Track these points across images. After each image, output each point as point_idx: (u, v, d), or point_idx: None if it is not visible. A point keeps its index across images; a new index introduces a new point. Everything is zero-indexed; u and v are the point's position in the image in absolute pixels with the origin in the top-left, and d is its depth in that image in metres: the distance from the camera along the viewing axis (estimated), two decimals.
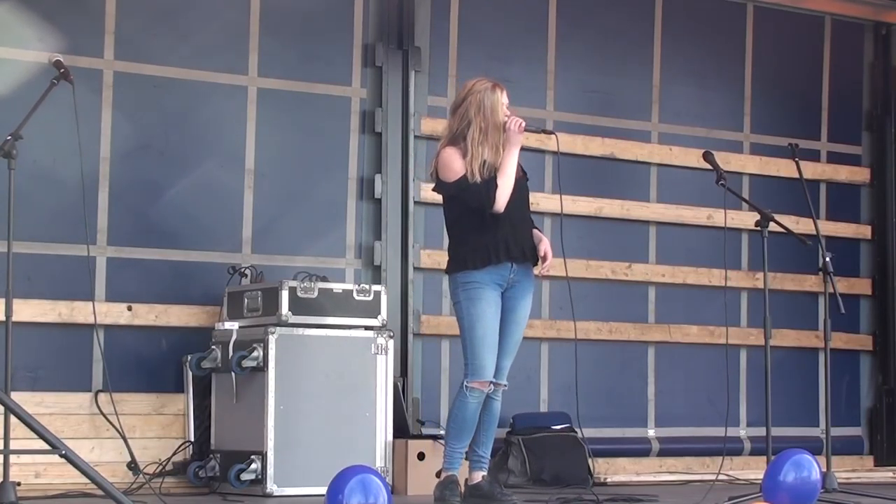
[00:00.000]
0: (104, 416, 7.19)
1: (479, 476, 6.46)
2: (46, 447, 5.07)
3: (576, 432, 8.32)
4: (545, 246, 6.46)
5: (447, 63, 8.56)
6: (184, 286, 7.62)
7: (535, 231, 6.56)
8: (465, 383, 6.37)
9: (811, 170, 9.56)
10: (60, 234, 7.22)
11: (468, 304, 6.37)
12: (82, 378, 7.30)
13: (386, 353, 7.34)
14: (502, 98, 6.42)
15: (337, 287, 7.37)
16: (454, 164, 6.36)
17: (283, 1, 8.06)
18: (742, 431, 9.29)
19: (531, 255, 6.47)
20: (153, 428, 7.40)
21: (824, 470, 6.56)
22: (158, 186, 7.62)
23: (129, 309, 7.43)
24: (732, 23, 9.62)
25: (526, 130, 6.42)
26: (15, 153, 5.81)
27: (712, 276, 9.17)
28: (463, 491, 6.45)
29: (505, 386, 6.46)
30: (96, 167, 7.39)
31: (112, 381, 6.97)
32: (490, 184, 6.31)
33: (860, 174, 10.05)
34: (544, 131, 6.70)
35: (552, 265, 6.47)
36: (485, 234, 6.37)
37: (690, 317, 9.23)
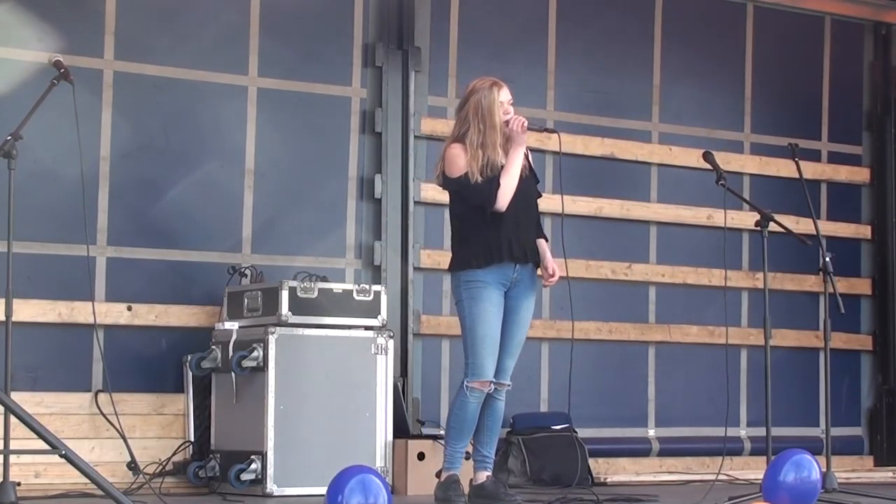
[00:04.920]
0: (104, 416, 7.19)
1: (483, 476, 6.46)
2: (46, 447, 5.07)
3: (576, 432, 8.33)
4: (552, 263, 6.47)
5: (447, 63, 8.56)
6: (184, 286, 7.62)
7: (540, 241, 6.53)
8: (465, 383, 6.37)
9: (811, 170, 9.56)
10: (60, 234, 7.22)
11: (470, 303, 6.37)
12: (82, 378, 7.30)
13: (386, 353, 7.33)
14: (500, 97, 6.42)
15: (337, 287, 7.37)
16: (458, 161, 6.39)
17: (283, 1, 8.06)
18: (742, 431, 9.29)
19: (533, 257, 6.46)
20: (153, 428, 7.40)
21: (824, 470, 6.56)
22: (158, 186, 7.61)
23: (129, 309, 7.43)
24: (732, 23, 9.62)
25: (528, 129, 6.43)
26: (15, 153, 5.82)
27: (712, 276, 9.17)
28: (466, 490, 6.45)
29: (508, 386, 6.47)
30: (96, 167, 7.38)
31: (112, 381, 6.97)
32: (493, 182, 6.33)
33: (860, 174, 10.05)
34: (546, 130, 6.68)
35: (555, 281, 6.47)
36: (487, 233, 6.37)
37: (690, 317, 9.23)
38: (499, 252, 6.37)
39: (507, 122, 6.40)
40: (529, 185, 6.50)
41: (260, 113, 7.93)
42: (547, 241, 6.60)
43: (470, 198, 6.39)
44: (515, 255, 6.39)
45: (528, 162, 6.56)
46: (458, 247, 6.50)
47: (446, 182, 6.46)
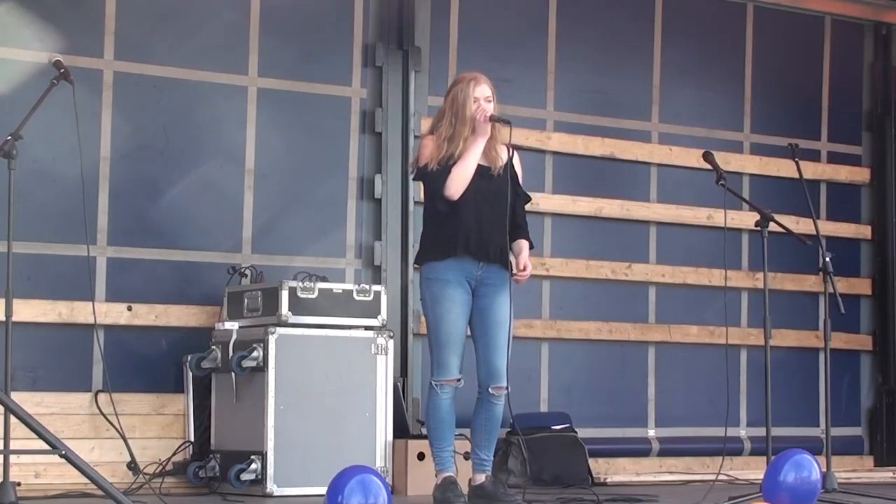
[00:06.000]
0: (104, 416, 7.19)
1: (482, 477, 6.43)
2: (46, 447, 5.07)
3: (576, 432, 8.33)
4: (524, 259, 6.35)
5: (447, 63, 8.56)
6: (184, 286, 7.62)
7: (520, 241, 6.41)
8: (432, 381, 6.35)
9: (811, 170, 9.56)
10: (60, 234, 7.22)
11: (432, 303, 6.32)
12: (82, 378, 7.30)
13: (386, 353, 7.33)
14: (475, 91, 6.34)
15: (337, 287, 7.37)
16: (424, 151, 6.38)
17: (283, 1, 8.05)
18: (742, 431, 9.29)
19: (499, 257, 6.32)
20: (153, 428, 7.40)
21: (824, 470, 6.56)
22: (158, 186, 7.61)
23: (129, 309, 7.43)
24: (732, 23, 9.62)
25: (490, 120, 6.36)
26: (15, 153, 5.82)
27: (712, 276, 9.17)
28: (465, 491, 6.44)
29: (506, 389, 6.36)
30: (96, 167, 7.38)
31: (112, 381, 6.96)
32: (446, 170, 6.28)
33: (860, 174, 10.05)
34: (500, 120, 6.38)
35: (526, 277, 6.36)
36: (446, 225, 6.30)
37: (690, 317, 9.22)
38: (454, 245, 6.27)
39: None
40: (500, 184, 6.34)
41: (260, 113, 7.93)
42: (532, 247, 6.48)
43: (426, 186, 6.38)
44: (472, 249, 6.27)
45: (511, 163, 6.44)
46: (422, 238, 6.48)
47: (415, 173, 6.46)
